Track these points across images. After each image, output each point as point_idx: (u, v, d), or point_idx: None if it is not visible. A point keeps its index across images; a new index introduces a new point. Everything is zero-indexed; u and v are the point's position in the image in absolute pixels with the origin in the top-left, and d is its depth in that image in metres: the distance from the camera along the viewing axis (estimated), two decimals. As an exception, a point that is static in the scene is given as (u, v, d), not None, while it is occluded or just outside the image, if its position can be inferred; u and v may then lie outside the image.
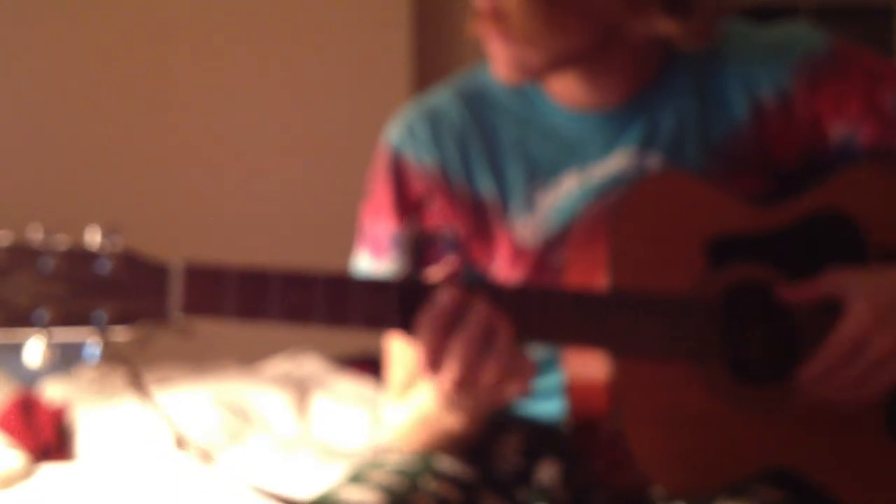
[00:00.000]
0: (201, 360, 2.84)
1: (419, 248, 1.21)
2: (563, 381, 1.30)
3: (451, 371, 1.16)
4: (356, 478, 1.31)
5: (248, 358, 2.90)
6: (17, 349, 1.10)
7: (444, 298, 1.16)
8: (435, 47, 3.77)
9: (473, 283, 1.21)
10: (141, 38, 3.52)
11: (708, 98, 1.38)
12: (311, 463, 2.22)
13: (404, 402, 1.40)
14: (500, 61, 1.34)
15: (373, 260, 1.43)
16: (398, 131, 1.44)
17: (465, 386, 1.16)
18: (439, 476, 1.33)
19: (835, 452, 1.29)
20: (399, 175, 1.42)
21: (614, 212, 1.27)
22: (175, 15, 3.54)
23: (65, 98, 3.46)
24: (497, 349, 1.16)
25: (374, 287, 1.17)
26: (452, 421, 1.28)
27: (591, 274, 1.27)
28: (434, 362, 1.16)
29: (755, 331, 1.31)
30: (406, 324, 1.17)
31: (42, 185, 3.39)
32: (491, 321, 1.16)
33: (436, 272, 1.20)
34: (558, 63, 1.34)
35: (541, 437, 1.37)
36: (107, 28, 3.51)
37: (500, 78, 1.37)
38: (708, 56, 1.39)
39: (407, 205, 1.41)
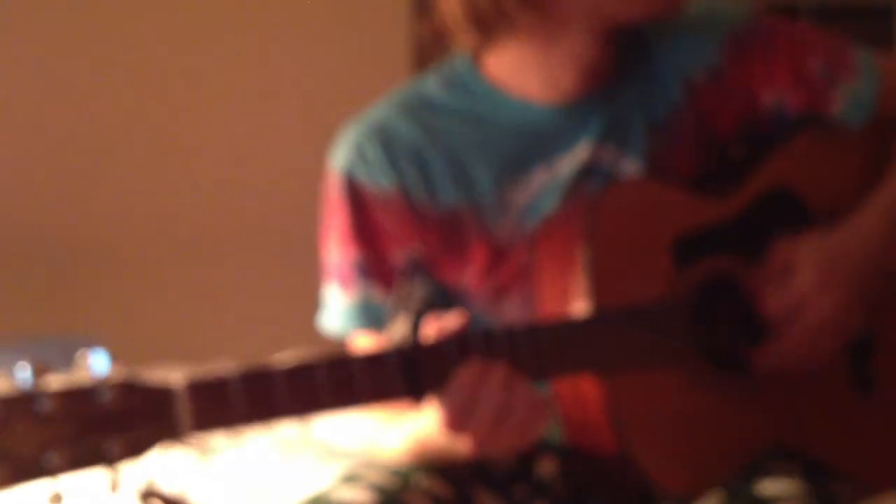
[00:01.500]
0: (201, 360, 2.84)
1: (420, 316, 1.20)
2: (556, 404, 1.29)
3: (474, 435, 1.16)
4: (350, 477, 1.31)
5: (248, 358, 2.89)
6: (17, 349, 1.08)
7: (463, 377, 1.15)
8: (435, 47, 3.76)
9: (469, 334, 1.19)
10: (143, 33, 3.52)
11: (649, 85, 1.39)
12: (311, 463, 2.21)
13: (395, 424, 1.38)
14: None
15: (342, 292, 1.41)
16: (346, 155, 1.40)
17: (486, 445, 1.18)
18: (432, 473, 1.33)
19: (810, 418, 1.32)
20: (355, 200, 1.38)
21: (583, 232, 1.27)
22: (177, 12, 3.54)
23: (52, 105, 3.46)
24: (515, 410, 1.16)
25: (374, 361, 1.15)
26: (461, 448, 1.27)
27: (565, 291, 1.27)
28: (459, 426, 1.16)
29: (728, 320, 1.33)
30: (413, 391, 1.16)
31: (36, 192, 3.39)
32: (508, 387, 1.16)
33: (433, 329, 1.19)
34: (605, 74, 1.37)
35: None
36: (97, 37, 3.51)
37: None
38: (645, 40, 1.41)
39: (367, 230, 1.38)
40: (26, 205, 3.35)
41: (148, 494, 1.28)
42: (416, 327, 1.19)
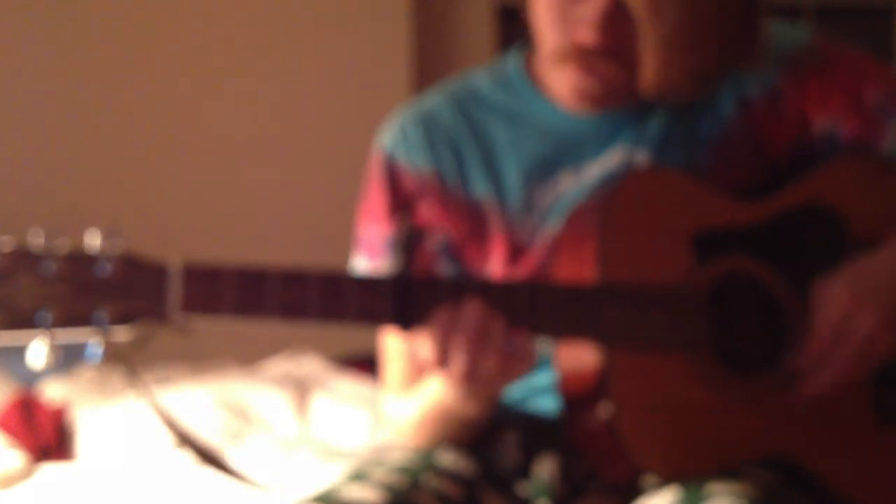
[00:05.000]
0: (201, 360, 2.84)
1: (410, 245, 1.24)
2: (555, 373, 1.31)
3: (456, 365, 1.19)
4: (357, 475, 1.32)
5: (248, 358, 2.90)
6: (17, 349, 1.11)
7: (441, 310, 1.19)
8: (435, 47, 3.77)
9: (463, 281, 1.23)
10: (139, 38, 3.53)
11: (697, 99, 1.39)
12: (311, 463, 2.22)
13: (410, 396, 1.41)
14: (576, 91, 1.35)
15: (369, 264, 1.44)
16: (391, 135, 1.45)
17: (470, 376, 1.20)
18: (440, 473, 1.34)
19: (824, 439, 1.30)
20: (393, 179, 1.43)
21: (603, 208, 1.28)
22: (176, 15, 3.55)
23: (63, 99, 3.46)
24: (494, 341, 1.19)
25: (367, 283, 1.19)
26: (467, 407, 1.30)
27: (580, 270, 1.28)
28: (442, 357, 1.19)
29: (743, 321, 1.33)
30: (399, 318, 1.19)
31: (41, 187, 3.39)
32: (486, 318, 1.19)
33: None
34: (631, 96, 1.36)
35: (539, 432, 1.38)
36: (103, 29, 3.51)
37: (567, 105, 1.38)
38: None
39: (401, 208, 1.42)
40: (29, 206, 3.35)
41: (184, 441, 1.34)
42: (405, 259, 1.23)
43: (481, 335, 1.18)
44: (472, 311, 1.19)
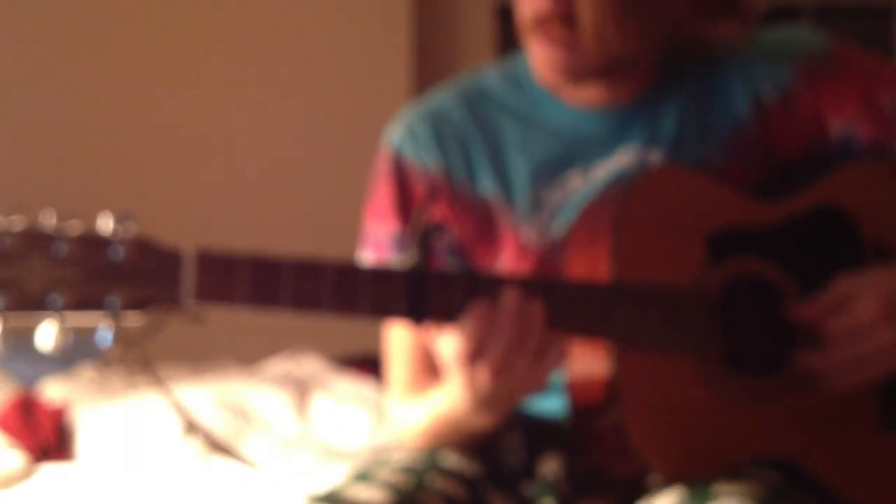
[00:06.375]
0: (201, 360, 2.84)
1: (427, 240, 1.23)
2: (564, 377, 1.30)
3: (490, 360, 1.18)
4: (363, 476, 1.32)
5: (248, 358, 2.90)
6: (17, 349, 1.10)
7: (478, 308, 1.17)
8: (435, 47, 3.77)
9: (478, 276, 1.22)
10: (149, 36, 3.54)
11: (710, 96, 1.40)
12: (311, 463, 2.22)
13: (417, 402, 1.41)
14: (546, 64, 1.35)
15: (375, 261, 1.43)
16: (399, 133, 1.44)
17: (502, 374, 1.18)
18: (445, 473, 1.34)
19: (827, 444, 1.30)
20: (400, 176, 1.42)
21: (618, 206, 1.28)
22: (183, 14, 3.56)
23: (75, 89, 3.48)
24: (532, 335, 1.18)
25: (382, 276, 1.18)
26: (479, 419, 1.29)
27: (593, 267, 1.28)
28: (476, 352, 1.18)
29: (752, 324, 1.32)
30: (412, 313, 1.18)
31: (53, 175, 3.40)
32: (525, 308, 1.18)
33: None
34: (607, 69, 1.35)
35: (543, 432, 1.38)
36: (117, 21, 3.53)
37: (541, 79, 1.38)
38: (710, 55, 1.41)
39: (409, 206, 1.41)
40: (41, 193, 3.35)
41: (191, 428, 1.32)
42: (422, 253, 1.22)
43: (521, 328, 1.17)
44: (511, 302, 1.18)
